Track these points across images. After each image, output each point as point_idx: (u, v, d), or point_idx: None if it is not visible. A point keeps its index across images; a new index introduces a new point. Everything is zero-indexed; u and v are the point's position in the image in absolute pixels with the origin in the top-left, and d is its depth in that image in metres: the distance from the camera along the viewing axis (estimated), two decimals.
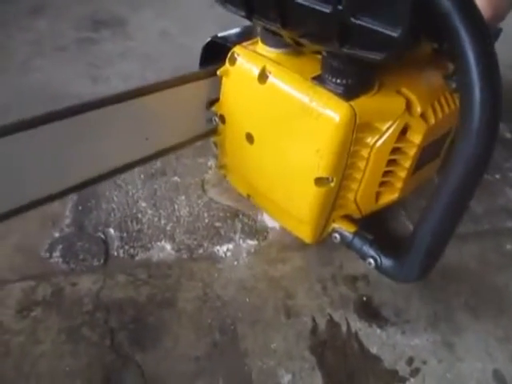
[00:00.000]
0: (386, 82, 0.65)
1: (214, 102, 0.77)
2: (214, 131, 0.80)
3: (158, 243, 0.78)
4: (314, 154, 0.62)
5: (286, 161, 0.68)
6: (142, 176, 0.90)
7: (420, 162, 0.71)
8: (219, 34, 0.79)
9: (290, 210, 0.73)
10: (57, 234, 0.78)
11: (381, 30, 0.48)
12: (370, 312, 0.71)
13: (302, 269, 0.76)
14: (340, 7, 0.50)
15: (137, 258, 0.76)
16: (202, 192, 0.88)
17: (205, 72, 0.74)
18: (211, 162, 0.94)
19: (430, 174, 0.83)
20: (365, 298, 0.73)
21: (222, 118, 0.77)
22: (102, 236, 0.79)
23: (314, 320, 0.69)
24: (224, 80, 0.73)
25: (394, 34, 0.47)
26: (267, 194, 0.76)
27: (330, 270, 0.77)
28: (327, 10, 0.51)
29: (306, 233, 0.75)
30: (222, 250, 0.78)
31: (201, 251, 0.78)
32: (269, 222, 0.83)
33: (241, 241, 0.80)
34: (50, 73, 1.20)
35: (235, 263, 0.76)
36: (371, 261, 0.70)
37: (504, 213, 0.90)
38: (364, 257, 0.71)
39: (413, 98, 0.65)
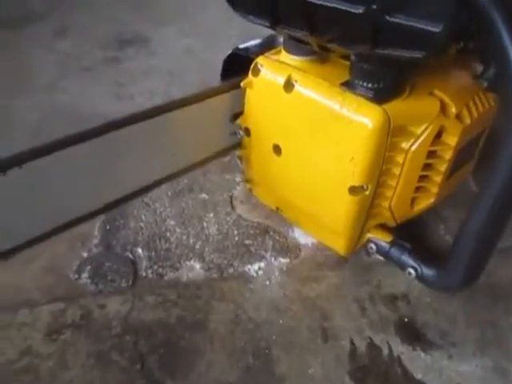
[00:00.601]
0: (418, 85, 0.62)
1: (237, 115, 0.75)
2: (238, 145, 0.79)
3: (187, 262, 0.76)
4: (348, 163, 0.59)
5: (316, 170, 0.66)
6: (170, 193, 0.89)
7: (455, 165, 0.68)
8: (240, 46, 0.78)
9: (322, 221, 0.70)
10: (85, 255, 0.77)
11: (420, 26, 0.46)
12: (412, 334, 0.67)
13: (337, 288, 0.73)
14: (374, 6, 0.48)
15: (166, 278, 0.74)
16: (231, 209, 0.86)
17: (227, 85, 0.73)
18: (239, 178, 0.92)
19: (464, 177, 0.79)
20: (406, 319, 0.69)
21: (247, 131, 0.75)
22: (131, 256, 0.77)
23: (352, 343, 0.66)
24: (248, 92, 0.71)
25: (436, 30, 0.45)
26: (298, 206, 0.73)
27: (368, 289, 0.73)
28: (359, 10, 0.49)
29: (340, 244, 0.72)
30: (253, 268, 0.76)
31: (231, 270, 0.75)
32: (300, 238, 0.80)
33: (272, 259, 0.77)
34: (76, 93, 1.21)
35: (267, 282, 0.73)
36: (411, 270, 0.66)
37: None
38: (403, 267, 0.68)
39: (446, 99, 0.63)
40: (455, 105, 0.62)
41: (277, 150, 0.70)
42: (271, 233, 0.81)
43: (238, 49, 0.78)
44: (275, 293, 0.72)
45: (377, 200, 0.66)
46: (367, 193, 0.62)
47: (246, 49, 0.77)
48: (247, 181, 0.83)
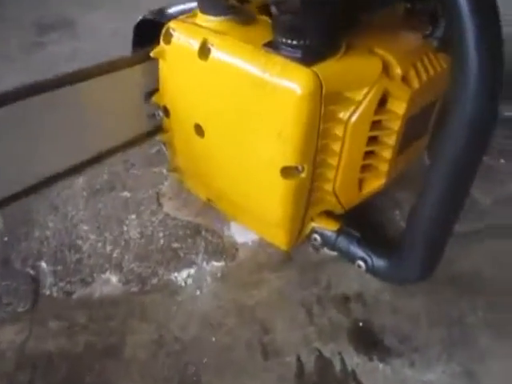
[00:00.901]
0: (355, 42, 0.52)
1: (153, 93, 0.62)
2: (159, 128, 0.66)
3: (102, 275, 0.63)
4: (276, 139, 0.49)
5: (244, 152, 0.55)
6: (85, 193, 0.76)
7: (406, 139, 0.59)
8: (151, 10, 0.65)
9: (257, 211, 0.60)
10: None
11: None
12: (368, 341, 0.57)
13: (280, 293, 0.62)
14: None
15: (74, 297, 0.61)
16: (157, 207, 0.73)
17: (136, 56, 0.60)
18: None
19: (417, 155, 0.70)
20: (361, 324, 0.59)
21: (166, 111, 0.63)
22: (32, 272, 0.64)
23: (299, 359, 0.55)
24: (161, 63, 0.59)
25: None
26: (229, 196, 0.63)
27: (316, 291, 0.62)
28: None
29: (280, 238, 0.61)
30: (182, 276, 0.64)
31: (155, 281, 0.63)
32: (238, 236, 0.69)
33: (204, 263, 0.65)
34: None
35: (197, 292, 0.62)
36: (361, 262, 0.59)
37: None
38: (352, 258, 0.60)
39: (390, 58, 0.53)
40: (400, 65, 0.53)
41: (199, 130, 0.58)
42: (203, 232, 0.69)
43: (149, 13, 0.65)
44: (207, 304, 0.60)
45: (317, 183, 0.56)
46: (303, 175, 0.52)
47: (159, 13, 0.64)
48: (174, 170, 0.71)
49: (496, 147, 0.82)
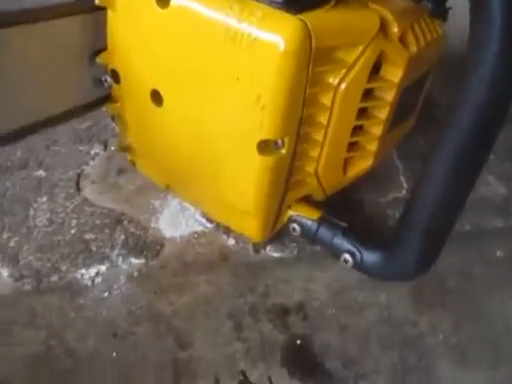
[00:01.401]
0: None
1: (99, 52, 0.50)
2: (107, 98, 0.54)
3: None
4: (253, 106, 0.41)
5: (212, 123, 0.45)
6: None
7: (397, 115, 0.52)
8: None
9: (226, 195, 0.50)
10: None
11: None
12: (306, 363, 0.47)
13: (207, 299, 0.51)
14: None
15: None
16: (75, 191, 0.62)
17: (78, 3, 0.48)
18: (97, 150, 0.68)
19: (403, 134, 0.63)
20: (299, 341, 0.49)
21: (115, 75, 0.51)
22: None
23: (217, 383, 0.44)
24: (109, 14, 0.47)
25: None
26: (192, 179, 0.53)
27: (250, 300, 0.52)
28: None
29: (252, 227, 0.52)
30: (89, 274, 0.52)
31: (55, 278, 0.52)
32: (166, 229, 0.58)
33: (120, 259, 0.54)
34: None
35: (105, 294, 0.50)
36: (347, 256, 0.51)
37: (489, 208, 0.68)
38: (337, 252, 0.52)
39: (387, 14, 0.46)
40: (398, 24, 0.46)
41: (156, 97, 0.47)
42: (125, 222, 0.58)
43: None
44: (115, 309, 0.49)
45: (298, 162, 0.48)
46: (284, 151, 0.44)
47: None
48: (125, 149, 0.58)
49: None
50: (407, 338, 0.50)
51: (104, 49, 0.50)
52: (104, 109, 0.55)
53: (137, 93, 0.50)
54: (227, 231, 0.58)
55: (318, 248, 0.56)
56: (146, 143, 0.55)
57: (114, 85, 0.52)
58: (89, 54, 0.50)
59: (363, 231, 0.52)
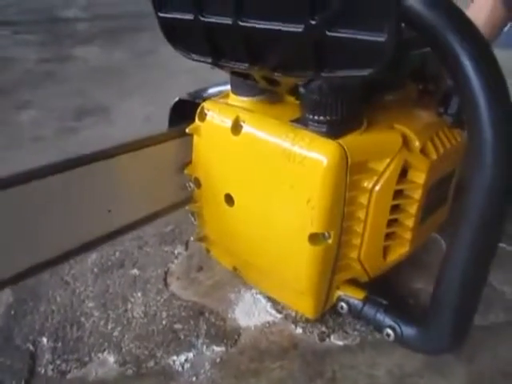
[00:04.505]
0: (376, 119, 0.56)
1: (186, 165, 0.67)
2: (189, 199, 0.70)
3: (99, 355, 0.62)
4: (305, 206, 0.52)
5: (273, 220, 0.57)
6: (96, 270, 0.76)
7: (428, 208, 0.61)
8: (189, 92, 0.72)
9: (283, 278, 0.60)
10: None
11: (364, 37, 0.41)
12: None
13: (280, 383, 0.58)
14: (313, 22, 0.42)
15: (68, 377, 0.59)
16: (164, 286, 0.73)
17: (173, 131, 0.65)
18: (179, 250, 0.81)
19: (439, 223, 0.71)
20: None
21: (197, 182, 0.66)
22: (32, 347, 0.63)
23: None
24: (195, 139, 0.64)
25: (381, 39, 0.40)
26: (256, 263, 0.64)
27: None
28: (299, 29, 0.44)
29: (305, 305, 0.61)
30: (180, 361, 0.61)
31: (151, 364, 0.60)
32: (242, 319, 0.67)
33: (204, 347, 0.62)
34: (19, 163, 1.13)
35: (194, 379, 0.58)
36: (389, 331, 0.57)
37: None
38: (380, 327, 0.58)
39: (409, 132, 0.57)
40: (418, 138, 0.57)
41: (229, 200, 0.62)
42: (207, 314, 0.67)
43: (186, 94, 0.72)
44: None
45: (343, 250, 0.57)
46: (330, 241, 0.54)
47: (194, 94, 0.71)
48: (201, 239, 0.73)
49: None
50: None
51: (189, 162, 0.66)
52: (187, 207, 0.70)
53: (213, 195, 0.64)
54: (295, 321, 0.66)
55: (378, 336, 0.62)
56: (219, 234, 0.68)
57: (195, 189, 0.67)
58: (179, 167, 0.67)
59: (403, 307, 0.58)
